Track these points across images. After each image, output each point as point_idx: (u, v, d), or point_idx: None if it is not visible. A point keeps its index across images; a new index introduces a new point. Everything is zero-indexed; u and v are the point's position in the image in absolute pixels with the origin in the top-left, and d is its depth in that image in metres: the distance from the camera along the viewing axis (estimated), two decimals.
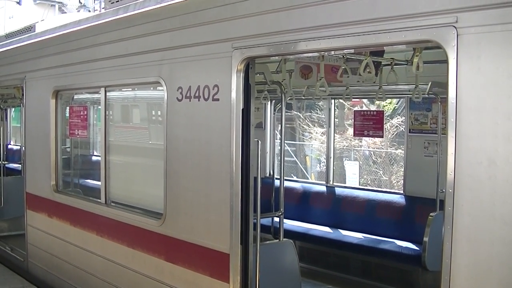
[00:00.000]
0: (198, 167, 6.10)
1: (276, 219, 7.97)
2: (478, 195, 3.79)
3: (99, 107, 8.17)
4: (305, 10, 4.94)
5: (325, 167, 12.55)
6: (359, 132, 10.64)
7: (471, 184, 3.83)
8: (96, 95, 8.69)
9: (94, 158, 11.63)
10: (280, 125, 7.47)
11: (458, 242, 3.91)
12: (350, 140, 21.72)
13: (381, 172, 21.19)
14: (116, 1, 7.86)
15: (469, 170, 3.83)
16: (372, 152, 21.89)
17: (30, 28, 10.84)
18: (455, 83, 3.85)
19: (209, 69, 5.92)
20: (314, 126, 22.37)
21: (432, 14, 3.99)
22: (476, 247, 3.83)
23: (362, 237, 9.54)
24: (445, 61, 3.92)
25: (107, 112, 7.98)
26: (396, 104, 20.43)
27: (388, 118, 19.31)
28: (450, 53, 3.88)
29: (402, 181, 10.53)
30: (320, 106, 21.45)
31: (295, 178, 15.15)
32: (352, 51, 5.94)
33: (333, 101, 11.14)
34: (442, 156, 8.29)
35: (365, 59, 6.44)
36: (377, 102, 17.94)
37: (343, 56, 7.02)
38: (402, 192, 9.84)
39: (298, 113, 22.57)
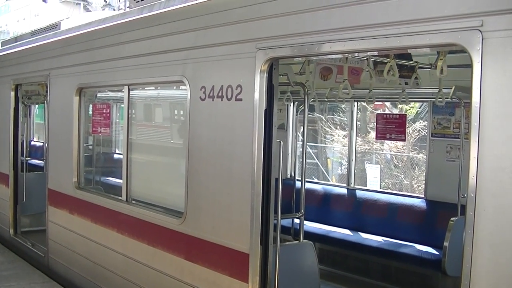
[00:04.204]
0: (219, 167, 6.10)
1: (297, 221, 7.96)
2: (501, 200, 3.76)
3: (122, 105, 8.21)
4: (330, 11, 4.94)
5: (346, 169, 12.52)
6: (381, 135, 10.57)
7: (494, 190, 3.79)
8: (119, 94, 8.73)
9: (115, 156, 11.72)
10: (302, 127, 7.46)
11: (479, 247, 3.87)
12: (372, 143, 21.70)
13: (402, 176, 21.13)
14: (141, 0, 7.90)
15: (492, 176, 3.80)
16: (393, 156, 21.84)
17: (55, 26, 10.94)
18: (479, 88, 3.82)
19: (232, 69, 5.93)
20: (336, 128, 22.39)
21: (457, 18, 3.96)
22: (498, 253, 3.80)
23: (382, 241, 9.50)
24: (469, 65, 3.89)
25: (130, 110, 8.03)
26: (419, 108, 20.37)
27: (410, 122, 19.27)
28: (474, 57, 3.85)
29: (423, 185, 10.48)
30: (342, 109, 21.43)
31: (316, 180, 15.11)
32: (375, 53, 5.93)
33: (355, 103, 11.09)
34: (464, 161, 8.22)
35: (389, 62, 6.43)
36: (400, 105, 17.88)
37: (367, 59, 7.00)
38: (423, 196, 9.79)
39: (321, 115, 22.59)
